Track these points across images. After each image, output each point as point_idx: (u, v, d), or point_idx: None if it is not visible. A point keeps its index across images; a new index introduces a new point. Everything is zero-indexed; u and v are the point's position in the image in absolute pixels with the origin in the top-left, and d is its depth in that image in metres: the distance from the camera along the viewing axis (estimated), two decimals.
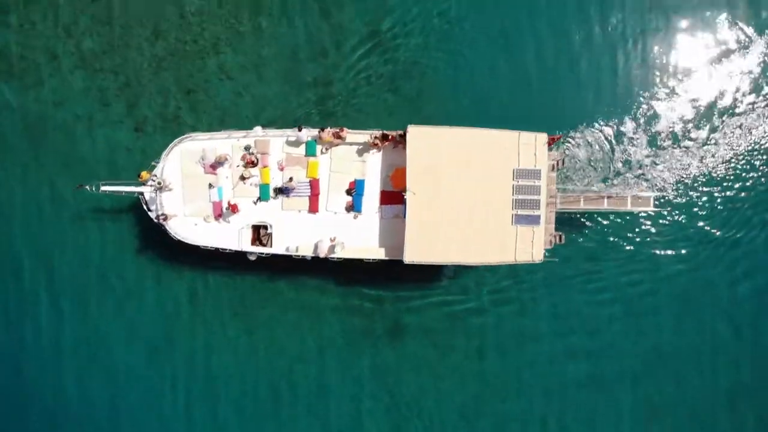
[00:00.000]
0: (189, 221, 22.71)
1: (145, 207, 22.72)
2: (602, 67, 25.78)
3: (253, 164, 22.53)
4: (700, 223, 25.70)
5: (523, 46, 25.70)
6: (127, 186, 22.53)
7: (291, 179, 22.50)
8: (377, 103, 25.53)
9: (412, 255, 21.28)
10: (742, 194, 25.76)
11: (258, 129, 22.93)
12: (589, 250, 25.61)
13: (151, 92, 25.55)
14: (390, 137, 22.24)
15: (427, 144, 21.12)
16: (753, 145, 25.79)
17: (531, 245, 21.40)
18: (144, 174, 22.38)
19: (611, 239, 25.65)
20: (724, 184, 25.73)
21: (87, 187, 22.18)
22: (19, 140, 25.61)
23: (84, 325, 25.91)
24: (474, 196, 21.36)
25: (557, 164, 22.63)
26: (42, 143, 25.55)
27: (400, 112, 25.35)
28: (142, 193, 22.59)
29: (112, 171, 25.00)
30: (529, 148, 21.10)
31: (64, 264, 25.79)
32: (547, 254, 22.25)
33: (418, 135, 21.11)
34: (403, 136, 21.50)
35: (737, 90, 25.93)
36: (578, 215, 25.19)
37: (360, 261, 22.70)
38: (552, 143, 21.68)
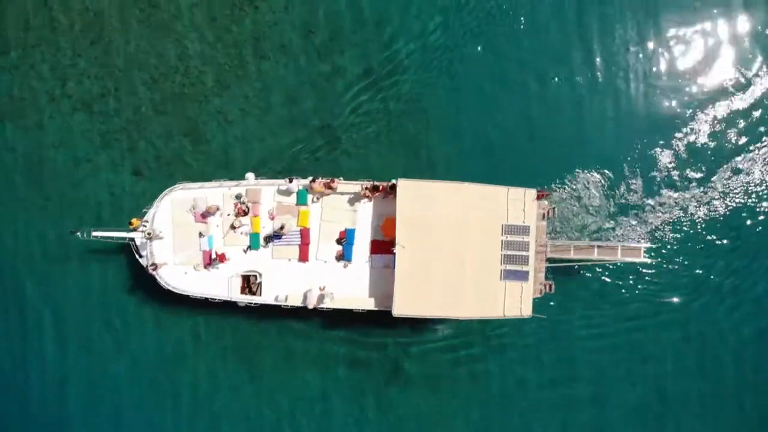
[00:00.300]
0: (179, 269, 22.78)
1: (135, 254, 22.82)
2: (603, 111, 25.73)
3: (245, 213, 22.57)
4: (700, 270, 25.44)
5: (524, 85, 25.71)
6: (118, 232, 22.66)
7: (282, 227, 22.52)
8: (377, 140, 25.55)
9: (401, 308, 21.25)
10: (742, 240, 25.50)
11: (250, 176, 23.05)
12: (589, 295, 25.39)
13: (150, 135, 25.68)
14: (381, 188, 22.24)
15: (417, 197, 21.17)
16: (752, 189, 25.58)
17: (520, 300, 21.21)
18: (135, 221, 22.60)
19: (611, 284, 25.40)
20: (724, 230, 25.51)
21: (78, 233, 22.36)
22: (21, 181, 25.86)
23: (88, 363, 25.96)
24: (463, 250, 21.36)
25: (548, 213, 22.52)
26: (43, 185, 25.77)
27: (399, 150, 25.47)
28: (132, 240, 22.72)
29: (114, 213, 25.24)
30: (518, 203, 21.08)
31: (67, 302, 25.84)
32: (543, 296, 22.37)
33: (407, 188, 21.13)
34: (394, 188, 21.49)
35: (735, 135, 25.77)
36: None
37: (350, 311, 22.58)
38: (541, 198, 21.58)
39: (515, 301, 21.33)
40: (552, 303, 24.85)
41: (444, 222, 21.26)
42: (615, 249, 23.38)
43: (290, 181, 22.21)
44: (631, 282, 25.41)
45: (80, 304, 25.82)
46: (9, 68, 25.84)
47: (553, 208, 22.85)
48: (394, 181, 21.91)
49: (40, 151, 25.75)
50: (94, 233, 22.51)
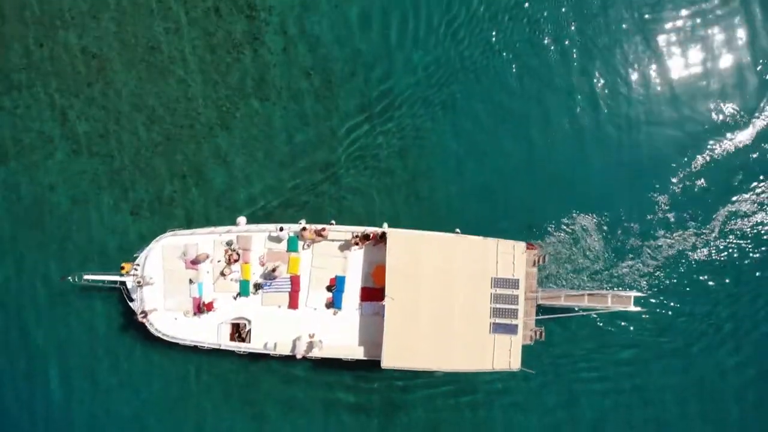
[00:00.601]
0: (169, 315, 22.82)
1: (126, 298, 22.91)
2: (603, 153, 25.70)
3: (235, 260, 22.62)
4: (700, 314, 25.29)
5: (523, 126, 25.74)
6: (109, 276, 22.80)
7: (275, 269, 22.52)
8: (376, 176, 25.56)
9: (389, 360, 21.14)
10: (741, 283, 25.41)
11: (242, 220, 23.18)
12: (590, 339, 25.22)
13: (147, 176, 25.72)
14: (371, 236, 22.23)
15: (407, 249, 21.17)
16: (750, 231, 25.47)
17: (509, 354, 21.09)
18: (126, 265, 22.72)
19: (611, 328, 25.22)
20: (723, 273, 25.38)
21: (70, 277, 22.52)
22: (23, 220, 25.87)
23: (92, 402, 25.84)
24: (452, 302, 21.31)
25: (539, 260, 22.48)
26: (44, 224, 25.71)
27: (398, 185, 25.51)
28: (124, 284, 22.81)
29: (113, 254, 25.14)
30: (507, 256, 21.03)
31: (71, 341, 25.76)
32: (534, 343, 22.38)
33: (397, 239, 21.11)
34: (384, 235, 21.53)
35: (734, 178, 25.70)
36: None
37: (339, 360, 22.51)
38: (530, 250, 21.53)
39: (504, 354, 21.21)
40: (552, 347, 24.75)
41: (434, 274, 21.23)
42: (605, 297, 23.29)
43: (281, 230, 22.24)
44: (631, 326, 25.24)
45: (84, 342, 25.71)
46: (9, 108, 26.03)
47: (544, 255, 22.82)
48: (385, 226, 21.99)
49: (40, 190, 25.81)
50: (86, 277, 22.63)
